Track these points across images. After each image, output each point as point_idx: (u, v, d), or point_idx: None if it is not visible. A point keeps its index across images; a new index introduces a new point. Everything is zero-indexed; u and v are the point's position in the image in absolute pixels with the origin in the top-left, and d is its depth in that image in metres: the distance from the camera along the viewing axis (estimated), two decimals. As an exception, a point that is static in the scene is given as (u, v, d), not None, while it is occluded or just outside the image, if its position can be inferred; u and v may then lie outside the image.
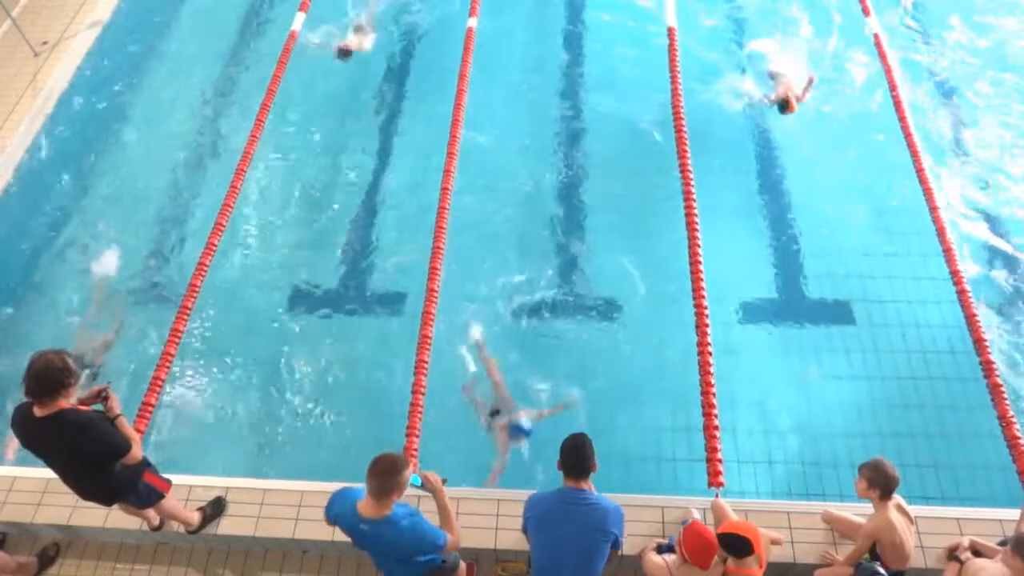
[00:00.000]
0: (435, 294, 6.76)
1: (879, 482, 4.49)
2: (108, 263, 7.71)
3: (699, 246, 7.01)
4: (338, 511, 4.06)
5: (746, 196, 8.14)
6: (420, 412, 5.89)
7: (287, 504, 5.54)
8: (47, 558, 5.56)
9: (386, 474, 3.78)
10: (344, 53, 9.29)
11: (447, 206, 7.46)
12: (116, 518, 5.36)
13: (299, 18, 9.82)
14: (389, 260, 7.72)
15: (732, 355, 6.65)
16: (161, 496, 4.83)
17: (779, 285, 7.40)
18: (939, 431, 6.24)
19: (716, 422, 5.73)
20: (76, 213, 8.37)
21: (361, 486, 3.95)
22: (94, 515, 5.41)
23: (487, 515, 5.40)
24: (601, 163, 8.43)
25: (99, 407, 4.28)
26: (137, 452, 4.33)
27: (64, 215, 8.35)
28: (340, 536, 5.28)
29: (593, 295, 7.33)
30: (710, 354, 6.20)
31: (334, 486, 5.57)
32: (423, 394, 6.02)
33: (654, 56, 9.13)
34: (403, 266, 7.59)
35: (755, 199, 8.12)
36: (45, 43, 9.86)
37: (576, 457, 4.15)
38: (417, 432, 5.75)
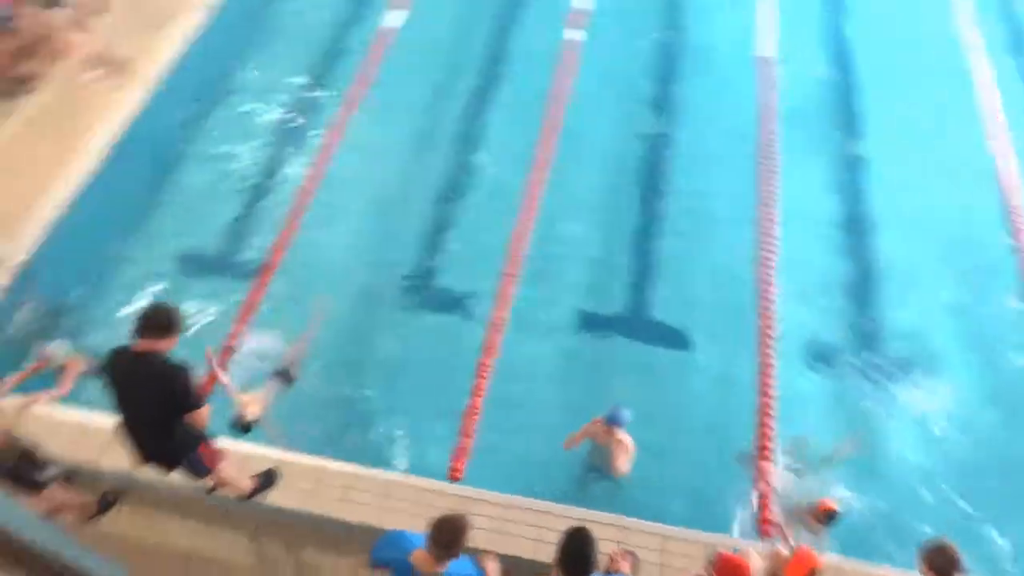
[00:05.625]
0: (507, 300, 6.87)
1: (939, 565, 4.34)
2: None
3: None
4: (390, 558, 3.91)
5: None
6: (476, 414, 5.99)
7: (337, 485, 5.70)
8: (106, 503, 5.81)
9: (451, 544, 3.66)
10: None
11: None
12: (174, 474, 5.58)
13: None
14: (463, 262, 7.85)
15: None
16: (209, 471, 5.02)
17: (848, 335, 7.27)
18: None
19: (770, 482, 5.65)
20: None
21: (413, 532, 3.91)
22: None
23: (530, 525, 5.45)
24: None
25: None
26: (204, 416, 4.50)
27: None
28: (383, 523, 5.46)
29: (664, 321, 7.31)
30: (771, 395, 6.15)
31: (382, 473, 5.79)
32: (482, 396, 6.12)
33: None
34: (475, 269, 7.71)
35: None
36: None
37: (576, 562, 3.80)
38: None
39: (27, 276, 7.54)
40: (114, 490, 5.88)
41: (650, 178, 8.46)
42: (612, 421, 5.56)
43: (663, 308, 7.30)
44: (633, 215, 8.11)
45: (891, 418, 6.57)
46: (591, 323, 7.20)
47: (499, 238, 7.74)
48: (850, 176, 8.47)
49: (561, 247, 7.78)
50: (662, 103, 9.26)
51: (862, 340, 7.10)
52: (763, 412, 6.32)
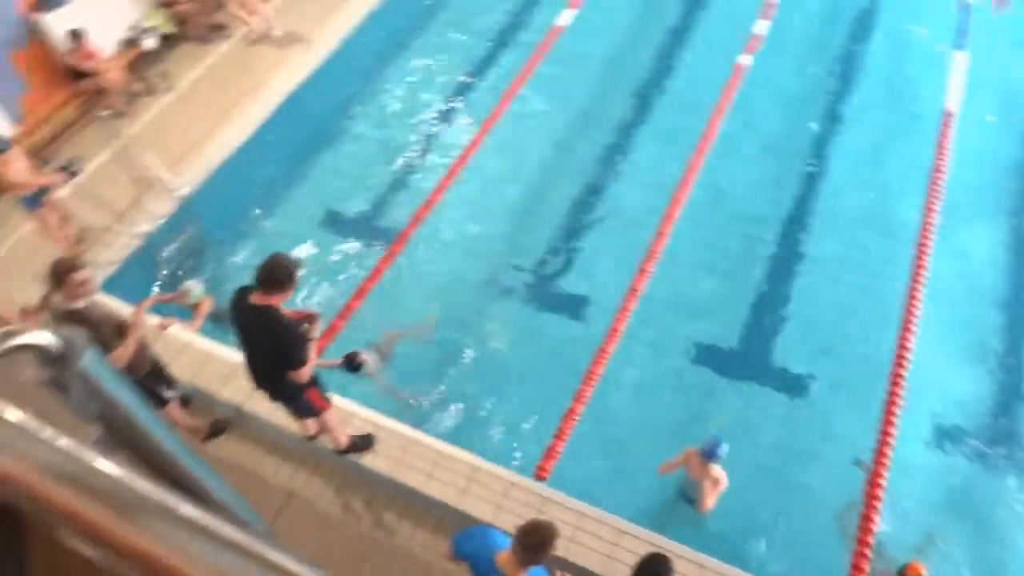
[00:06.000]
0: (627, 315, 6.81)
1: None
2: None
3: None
4: (472, 552, 3.92)
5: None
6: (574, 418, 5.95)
7: (424, 458, 5.82)
8: (216, 429, 6.20)
9: (538, 549, 3.65)
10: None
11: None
12: (279, 417, 5.88)
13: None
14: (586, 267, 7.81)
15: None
16: (316, 413, 5.26)
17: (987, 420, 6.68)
18: None
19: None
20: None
21: (500, 531, 3.93)
22: (265, 407, 5.96)
23: (604, 540, 5.36)
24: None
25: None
26: (304, 375, 4.71)
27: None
28: (463, 505, 5.52)
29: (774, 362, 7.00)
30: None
31: (471, 457, 5.85)
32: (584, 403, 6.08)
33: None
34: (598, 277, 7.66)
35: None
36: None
37: None
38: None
39: (187, 210, 8.16)
40: (225, 419, 6.26)
41: (800, 214, 8.10)
42: (708, 454, 5.37)
43: (787, 352, 6.96)
44: (775, 250, 7.79)
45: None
46: (707, 353, 6.97)
47: (631, 252, 7.63)
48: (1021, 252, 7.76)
49: (691, 270, 7.58)
50: (825, 140, 8.84)
51: (1000, 430, 6.51)
52: (872, 483, 5.91)
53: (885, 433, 6.15)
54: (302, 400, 5.08)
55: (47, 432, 0.80)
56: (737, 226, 8.00)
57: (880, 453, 5.98)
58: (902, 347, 6.69)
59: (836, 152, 8.71)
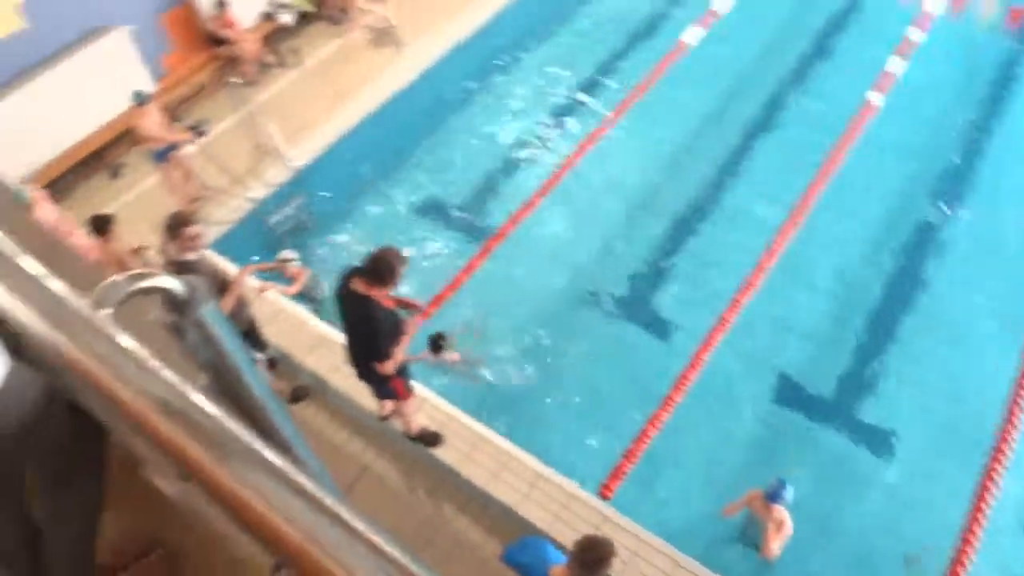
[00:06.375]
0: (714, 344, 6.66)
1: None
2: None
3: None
4: (525, 563, 3.86)
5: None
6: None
7: (491, 457, 5.83)
8: (297, 395, 6.39)
9: (595, 566, 3.56)
10: None
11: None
12: (357, 392, 6.01)
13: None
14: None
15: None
16: (395, 398, 5.39)
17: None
18: None
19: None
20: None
21: (553, 545, 3.90)
22: (345, 382, 6.12)
23: (659, 569, 5.24)
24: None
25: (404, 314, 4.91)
26: (387, 368, 4.84)
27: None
28: (521, 510, 5.50)
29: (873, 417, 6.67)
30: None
31: (537, 463, 5.82)
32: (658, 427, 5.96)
33: None
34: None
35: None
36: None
37: None
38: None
39: (298, 182, 8.46)
40: (306, 386, 6.45)
41: (912, 265, 7.71)
42: (772, 497, 5.18)
43: (878, 405, 6.63)
44: (878, 298, 7.44)
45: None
46: (792, 396, 6.71)
47: (728, 279, 7.44)
48: None
49: (789, 307, 7.33)
50: (950, 190, 8.39)
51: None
52: (957, 561, 5.55)
53: (977, 509, 5.76)
54: (387, 386, 5.22)
55: (163, 370, 0.83)
56: (846, 265, 7.69)
57: (969, 531, 5.60)
58: (1008, 425, 6.25)
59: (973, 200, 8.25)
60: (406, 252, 7.66)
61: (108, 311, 0.86)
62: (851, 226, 8.04)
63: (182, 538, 2.86)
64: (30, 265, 0.91)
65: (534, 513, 5.52)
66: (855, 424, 6.53)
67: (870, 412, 6.59)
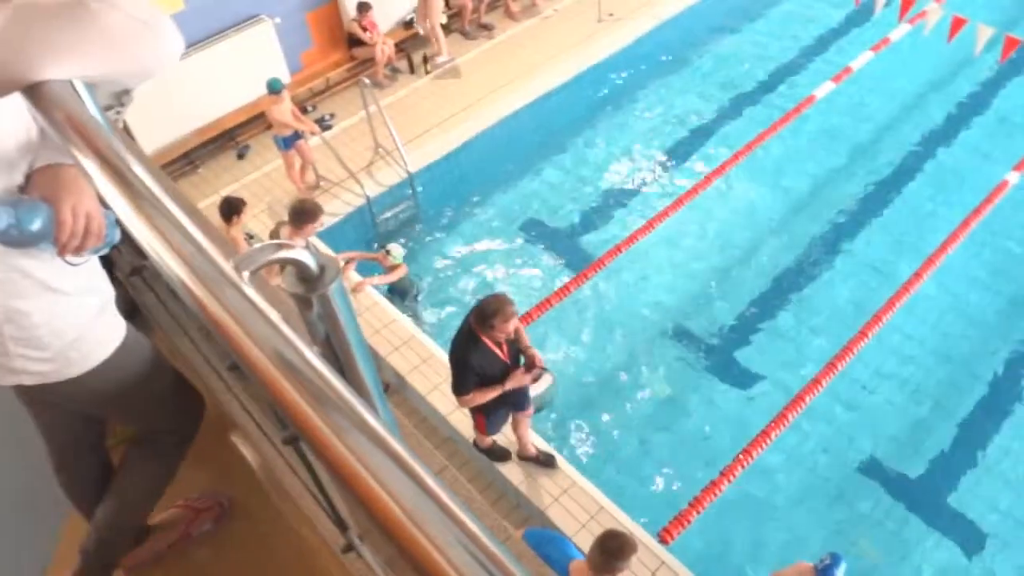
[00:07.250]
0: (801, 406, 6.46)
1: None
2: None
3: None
4: (547, 556, 4.03)
5: None
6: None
7: (556, 482, 5.82)
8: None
9: (617, 554, 3.73)
10: None
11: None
12: (434, 397, 6.13)
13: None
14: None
15: None
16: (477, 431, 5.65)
17: None
18: None
19: None
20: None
21: (574, 544, 4.02)
22: (424, 382, 6.26)
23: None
24: None
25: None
26: (462, 403, 5.11)
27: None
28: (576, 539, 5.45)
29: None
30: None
31: (600, 495, 5.76)
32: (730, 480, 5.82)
33: None
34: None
35: None
36: (611, 15, 11.15)
37: None
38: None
39: (409, 185, 8.72)
40: (387, 383, 6.62)
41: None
42: (822, 572, 4.94)
43: (971, 499, 6.25)
44: (985, 389, 7.03)
45: None
46: (878, 470, 6.42)
47: (828, 341, 7.19)
48: None
49: (886, 381, 7.04)
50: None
51: None
52: None
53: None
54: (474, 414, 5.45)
55: (288, 332, 0.89)
56: (954, 345, 7.34)
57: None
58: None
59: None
60: (500, 271, 7.96)
61: (246, 272, 0.94)
62: (957, 315, 7.63)
63: (254, 503, 2.99)
64: (183, 217, 1.00)
65: (587, 544, 5.45)
66: (945, 514, 6.19)
67: (960, 499, 6.24)
